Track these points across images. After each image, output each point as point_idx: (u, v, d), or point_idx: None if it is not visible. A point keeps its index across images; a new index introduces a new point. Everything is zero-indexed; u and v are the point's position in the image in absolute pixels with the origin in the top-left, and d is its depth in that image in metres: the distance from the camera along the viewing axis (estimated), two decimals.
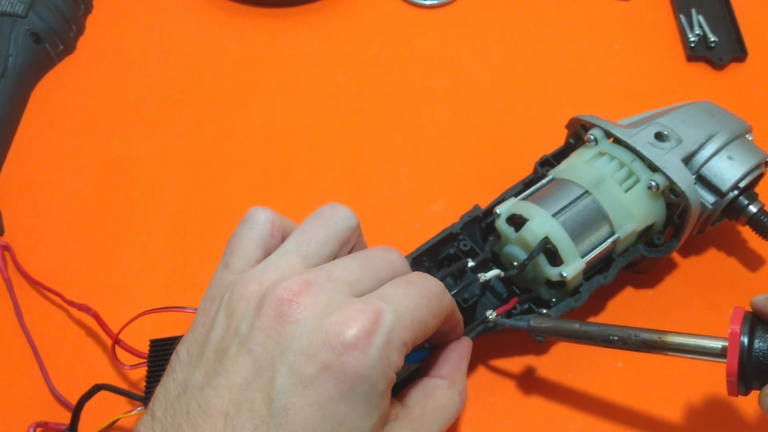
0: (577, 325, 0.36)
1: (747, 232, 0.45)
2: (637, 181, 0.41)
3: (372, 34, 0.59)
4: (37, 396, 0.42)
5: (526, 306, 0.40)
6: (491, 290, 0.42)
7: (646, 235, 0.42)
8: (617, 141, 0.42)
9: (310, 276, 0.29)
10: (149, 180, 0.51)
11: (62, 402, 0.41)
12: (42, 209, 0.50)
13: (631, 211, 0.40)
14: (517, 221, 0.40)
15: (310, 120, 0.54)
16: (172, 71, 0.57)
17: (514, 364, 0.42)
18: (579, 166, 0.42)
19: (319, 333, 0.27)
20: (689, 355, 0.33)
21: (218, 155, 0.52)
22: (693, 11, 0.58)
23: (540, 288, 0.40)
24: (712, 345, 0.32)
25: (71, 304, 0.44)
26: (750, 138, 0.44)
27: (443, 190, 0.50)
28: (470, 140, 0.53)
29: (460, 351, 0.36)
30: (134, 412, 0.39)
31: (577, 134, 0.45)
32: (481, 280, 0.39)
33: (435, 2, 0.61)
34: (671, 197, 0.41)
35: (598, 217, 0.40)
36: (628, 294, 0.45)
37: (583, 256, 0.39)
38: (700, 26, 0.57)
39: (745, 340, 0.31)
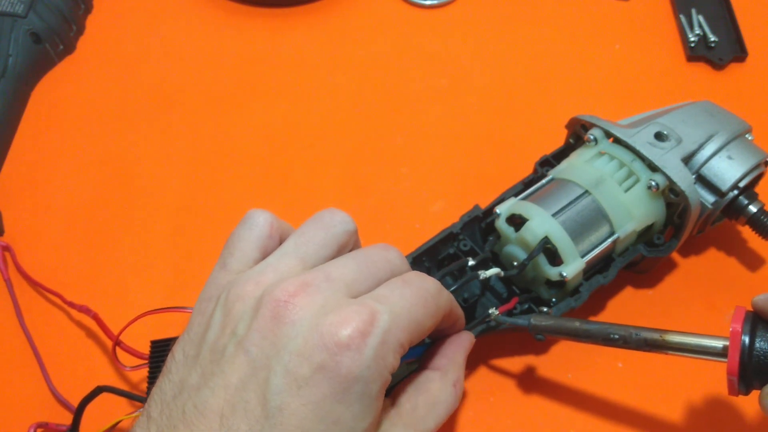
0: (577, 324, 0.36)
1: (747, 232, 0.45)
2: (637, 180, 0.41)
3: (372, 35, 0.59)
4: (38, 397, 0.42)
5: (527, 306, 0.40)
6: (491, 290, 0.42)
7: (646, 235, 0.42)
8: (617, 141, 0.42)
9: (307, 277, 0.29)
10: (149, 180, 0.51)
11: (63, 403, 0.41)
12: (42, 209, 0.50)
13: (631, 210, 0.40)
14: (517, 221, 0.40)
15: (309, 120, 0.54)
16: (172, 71, 0.57)
17: (514, 363, 0.42)
18: (579, 166, 0.42)
19: (315, 334, 0.27)
20: (690, 355, 0.33)
21: (218, 155, 0.52)
22: (693, 11, 0.58)
23: (540, 288, 0.40)
24: (713, 344, 0.32)
25: (71, 305, 0.44)
26: (750, 138, 0.44)
27: (443, 190, 0.50)
28: (470, 140, 0.53)
29: (457, 342, 0.36)
30: (136, 413, 0.39)
31: (577, 134, 0.45)
32: (480, 278, 0.39)
33: (435, 2, 0.61)
34: (671, 197, 0.41)
35: (598, 216, 0.40)
36: (628, 294, 0.45)
37: (583, 256, 0.39)
38: (700, 26, 0.57)
39: (746, 339, 0.31)
